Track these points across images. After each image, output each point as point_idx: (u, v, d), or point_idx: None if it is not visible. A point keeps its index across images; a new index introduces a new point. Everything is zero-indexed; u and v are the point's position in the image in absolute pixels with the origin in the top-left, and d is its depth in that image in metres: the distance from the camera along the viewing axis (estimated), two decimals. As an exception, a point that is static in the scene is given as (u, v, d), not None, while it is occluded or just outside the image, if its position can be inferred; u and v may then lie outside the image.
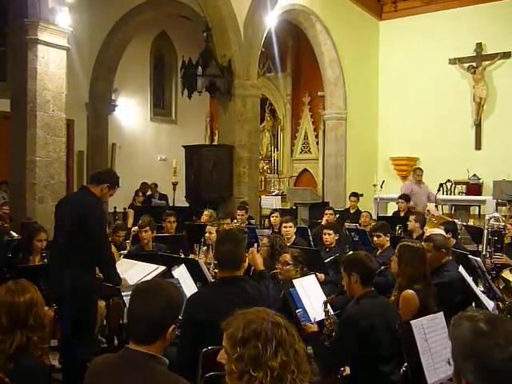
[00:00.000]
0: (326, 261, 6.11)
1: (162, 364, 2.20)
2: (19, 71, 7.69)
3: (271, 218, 8.51)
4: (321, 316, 4.00)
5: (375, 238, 6.33)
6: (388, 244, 6.24)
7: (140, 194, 11.62)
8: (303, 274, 4.67)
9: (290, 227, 6.90)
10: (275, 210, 9.29)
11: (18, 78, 7.73)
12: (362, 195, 10.99)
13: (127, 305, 2.93)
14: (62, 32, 7.78)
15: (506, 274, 4.84)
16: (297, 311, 3.84)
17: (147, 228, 6.40)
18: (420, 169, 10.51)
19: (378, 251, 6.27)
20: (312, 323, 3.72)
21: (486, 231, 6.19)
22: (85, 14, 11.96)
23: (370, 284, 3.57)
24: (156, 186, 13.22)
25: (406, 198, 9.66)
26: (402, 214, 9.27)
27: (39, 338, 2.63)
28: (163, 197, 12.85)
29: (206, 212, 8.48)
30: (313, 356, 3.47)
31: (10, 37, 8.11)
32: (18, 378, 2.49)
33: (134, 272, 4.89)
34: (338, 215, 9.87)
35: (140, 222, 6.77)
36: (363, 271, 3.55)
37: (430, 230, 5.89)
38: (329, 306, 3.92)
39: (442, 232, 5.68)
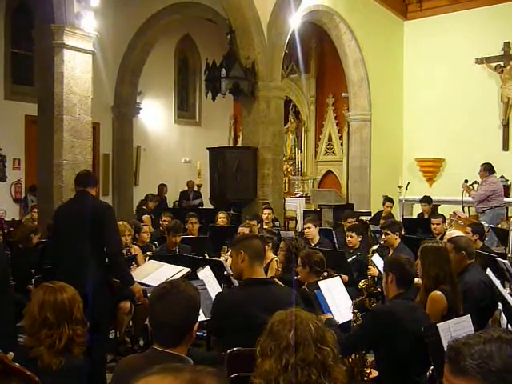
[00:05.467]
0: (348, 260, 6.11)
1: (187, 364, 2.22)
2: (46, 76, 7.79)
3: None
4: (347, 317, 3.99)
5: (383, 236, 6.33)
6: (398, 243, 6.19)
7: (150, 196, 11.63)
8: (316, 274, 4.60)
9: (309, 228, 6.97)
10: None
11: (45, 82, 7.84)
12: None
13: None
14: (87, 36, 7.87)
15: None
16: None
17: (181, 233, 6.51)
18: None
19: (390, 251, 6.20)
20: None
21: (511, 233, 6.11)
22: (110, 18, 12.09)
23: (404, 287, 3.57)
24: (193, 184, 13.64)
25: (428, 200, 9.53)
26: (425, 217, 9.21)
27: (82, 332, 2.69)
28: (197, 194, 13.41)
29: (221, 214, 8.52)
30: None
31: (37, 42, 8.22)
32: (63, 375, 2.55)
33: (159, 273, 4.96)
34: (369, 219, 9.87)
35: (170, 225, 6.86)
36: (399, 273, 3.57)
37: (451, 232, 5.82)
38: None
39: (463, 234, 5.60)
